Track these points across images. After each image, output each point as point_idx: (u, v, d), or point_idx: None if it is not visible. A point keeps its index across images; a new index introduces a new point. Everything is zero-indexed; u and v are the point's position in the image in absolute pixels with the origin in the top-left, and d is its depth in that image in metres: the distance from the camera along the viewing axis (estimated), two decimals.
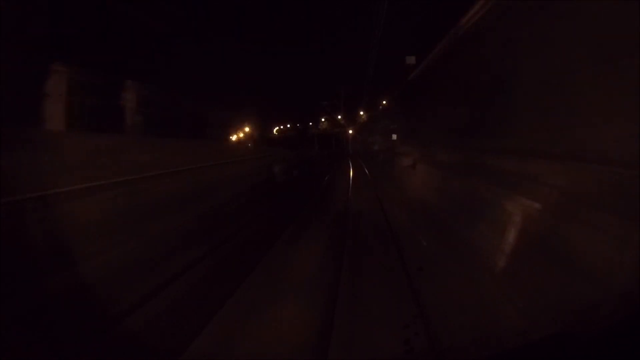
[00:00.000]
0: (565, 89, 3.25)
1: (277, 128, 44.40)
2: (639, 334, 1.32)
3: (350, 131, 41.62)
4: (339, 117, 44.78)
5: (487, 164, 4.67)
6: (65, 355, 2.37)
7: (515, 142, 4.14)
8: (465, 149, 5.92)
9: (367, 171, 16.83)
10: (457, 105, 6.86)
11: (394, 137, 16.37)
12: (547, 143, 3.42)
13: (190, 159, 10.40)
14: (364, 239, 5.65)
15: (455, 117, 6.81)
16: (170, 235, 5.35)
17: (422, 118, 10.62)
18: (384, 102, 23.66)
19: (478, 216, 4.16)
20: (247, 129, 33.38)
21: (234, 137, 30.98)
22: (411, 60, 13.95)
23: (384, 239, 5.54)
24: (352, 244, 5.27)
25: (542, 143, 3.52)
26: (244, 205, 8.96)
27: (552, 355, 1.45)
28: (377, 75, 24.24)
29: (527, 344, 1.95)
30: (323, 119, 45.54)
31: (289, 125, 44.68)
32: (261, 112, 31.04)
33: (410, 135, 12.48)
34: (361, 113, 37.99)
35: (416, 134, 11.49)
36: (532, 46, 3.98)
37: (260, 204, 9.38)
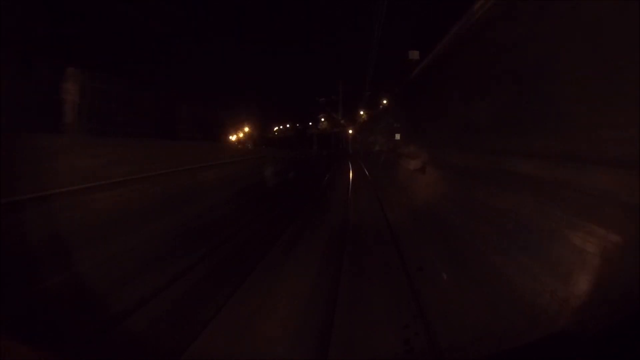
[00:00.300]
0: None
1: (277, 128, 44.42)
2: (639, 334, 1.32)
3: (350, 131, 41.43)
4: (339, 116, 44.31)
5: (520, 170, 3.64)
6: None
7: (560, 143, 3.11)
8: (489, 152, 4.83)
9: (368, 174, 15.08)
10: (474, 100, 5.89)
11: (397, 136, 15.30)
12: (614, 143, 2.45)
13: (153, 164, 8.06)
14: (366, 263, 4.50)
15: (473, 114, 5.88)
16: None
17: (431, 116, 9.44)
18: (385, 101, 23.30)
19: (521, 244, 3.00)
20: (246, 129, 33.44)
21: (233, 137, 31.04)
22: (414, 55, 13.38)
23: (390, 269, 4.21)
24: (350, 267, 4.26)
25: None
26: (222, 219, 6.80)
27: (552, 355, 1.45)
28: (378, 74, 24.00)
29: (527, 344, 1.94)
30: (323, 119, 45.37)
31: (288, 126, 44.68)
32: (261, 112, 31.04)
33: (416, 135, 11.11)
34: (361, 113, 37.72)
35: (423, 134, 10.20)
36: (573, 22, 3.08)
37: (243, 219, 6.78)
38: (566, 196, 2.61)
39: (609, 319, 1.66)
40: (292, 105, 40.05)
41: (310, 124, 45.65)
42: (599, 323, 1.70)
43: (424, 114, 10.31)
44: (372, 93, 28.62)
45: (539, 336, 2.02)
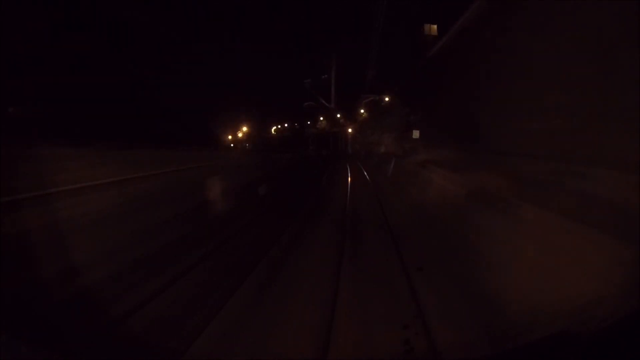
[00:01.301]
0: None
1: (275, 128, 44.31)
2: (639, 334, 1.33)
3: (350, 130, 40.59)
4: (332, 104, 37.82)
5: None
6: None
7: None
8: None
9: (379, 202, 7.61)
10: None
11: (416, 134, 10.81)
12: None
13: None
14: None
15: None
16: None
17: (495, 100, 5.59)
18: (387, 99, 20.35)
19: None
20: (245, 129, 33.52)
21: (231, 137, 31.16)
22: (431, 30, 10.94)
23: None
24: None
25: None
26: None
27: (552, 355, 1.46)
28: (382, 62, 20.75)
29: (527, 344, 1.95)
30: (322, 118, 45.00)
31: (286, 125, 44.50)
32: (259, 112, 30.91)
33: (458, 132, 7.08)
34: (361, 111, 36.42)
35: (474, 130, 6.15)
36: None
37: None
38: None
39: (609, 319, 1.67)
40: (291, 105, 39.79)
41: (309, 123, 45.32)
42: (599, 323, 1.71)
43: (477, 98, 6.15)
44: (376, 79, 24.19)
45: (539, 336, 2.03)
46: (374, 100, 25.41)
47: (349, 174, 13.37)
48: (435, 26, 10.95)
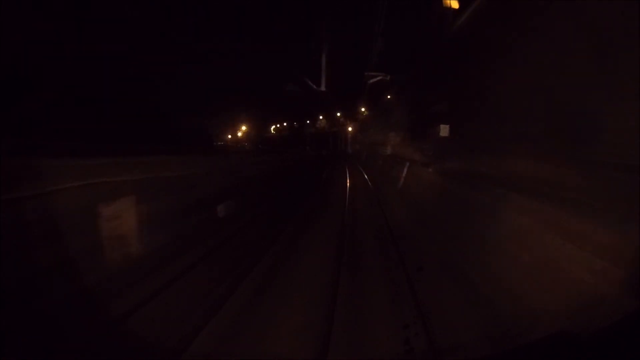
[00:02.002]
0: None
1: (274, 127, 44.19)
2: (639, 334, 1.33)
3: (350, 129, 39.91)
4: (321, 87, 32.61)
5: None
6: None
7: None
8: None
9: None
10: None
11: (445, 130, 7.83)
12: None
13: None
14: None
15: None
16: None
17: None
18: (389, 96, 18.75)
19: None
20: (244, 128, 33.52)
21: (230, 137, 31.19)
22: (451, 2, 9.01)
23: None
24: None
25: None
26: None
27: (552, 355, 1.46)
28: (389, 44, 19.08)
29: (527, 344, 1.95)
30: (321, 117, 44.72)
31: (285, 124, 44.30)
32: (259, 111, 30.69)
33: (516, 129, 4.52)
34: (362, 109, 33.08)
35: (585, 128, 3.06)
36: None
37: None
38: None
39: (609, 319, 1.67)
40: (290, 104, 39.57)
41: (308, 122, 45.01)
42: (599, 323, 1.71)
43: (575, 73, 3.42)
44: (383, 56, 20.59)
45: (539, 336, 2.03)
46: (380, 87, 21.12)
47: (348, 180, 12.56)
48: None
